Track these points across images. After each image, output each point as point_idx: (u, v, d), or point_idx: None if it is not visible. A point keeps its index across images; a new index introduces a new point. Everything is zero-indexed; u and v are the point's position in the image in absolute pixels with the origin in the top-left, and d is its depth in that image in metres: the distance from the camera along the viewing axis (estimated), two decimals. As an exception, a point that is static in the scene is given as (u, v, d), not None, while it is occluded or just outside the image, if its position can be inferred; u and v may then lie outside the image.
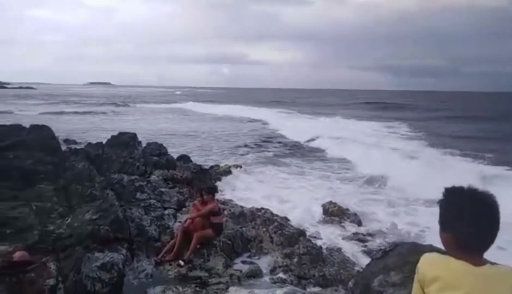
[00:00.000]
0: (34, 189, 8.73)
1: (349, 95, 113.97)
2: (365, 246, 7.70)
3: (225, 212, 7.67)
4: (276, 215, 8.09)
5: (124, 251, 6.21)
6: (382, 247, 4.78)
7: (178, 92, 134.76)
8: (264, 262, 6.42)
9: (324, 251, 7.00)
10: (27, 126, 14.59)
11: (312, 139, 21.99)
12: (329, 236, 7.96)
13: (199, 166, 12.41)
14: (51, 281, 5.36)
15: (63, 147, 12.93)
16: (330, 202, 9.65)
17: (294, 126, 28.04)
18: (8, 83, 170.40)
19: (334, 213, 9.14)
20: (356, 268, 6.37)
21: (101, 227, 6.53)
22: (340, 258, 6.86)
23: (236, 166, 13.85)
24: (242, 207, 8.34)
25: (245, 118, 36.91)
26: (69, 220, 7.25)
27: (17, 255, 5.07)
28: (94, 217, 6.90)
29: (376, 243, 7.78)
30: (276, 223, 7.38)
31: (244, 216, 7.89)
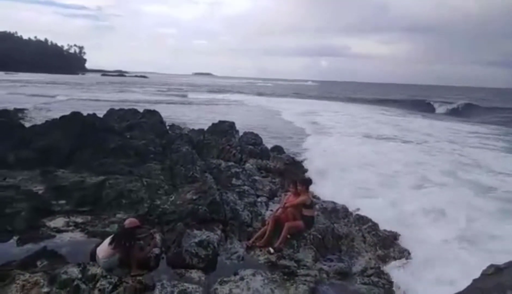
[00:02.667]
0: (145, 166, 9.78)
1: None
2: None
3: (317, 206, 7.61)
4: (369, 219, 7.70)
5: (219, 232, 6.60)
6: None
7: (259, 83, 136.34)
8: (354, 262, 6.22)
9: (422, 256, 6.50)
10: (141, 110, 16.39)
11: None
12: (429, 240, 7.27)
13: (292, 157, 12.48)
14: (156, 250, 5.98)
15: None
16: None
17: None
18: (127, 72, 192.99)
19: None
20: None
21: (200, 207, 7.03)
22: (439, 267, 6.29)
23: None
24: (334, 203, 8.17)
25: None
26: (173, 197, 7.96)
27: (128, 222, 5.67)
28: (194, 197, 7.45)
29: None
30: (370, 223, 7.07)
31: (336, 212, 7.73)
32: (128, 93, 53.16)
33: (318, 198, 8.47)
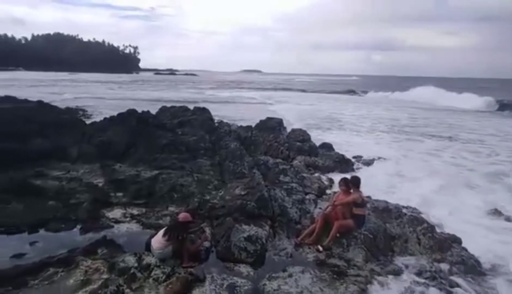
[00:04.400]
0: (196, 162, 10.06)
1: None
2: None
3: (368, 205, 7.37)
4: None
5: (267, 228, 6.62)
6: None
7: (297, 80, 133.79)
8: (408, 264, 5.94)
9: (485, 263, 6.07)
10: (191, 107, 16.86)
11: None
12: (494, 246, 6.78)
13: (342, 155, 12.22)
14: (207, 244, 6.14)
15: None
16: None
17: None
18: (177, 70, 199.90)
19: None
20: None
21: (249, 202, 7.09)
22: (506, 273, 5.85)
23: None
24: (386, 202, 7.87)
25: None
26: (222, 192, 8.11)
27: (182, 216, 5.87)
28: (243, 193, 7.53)
29: None
30: (425, 224, 6.72)
31: (388, 212, 7.44)
32: (160, 92, 54.86)
33: (369, 197, 8.20)
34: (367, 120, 26.70)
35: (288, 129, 14.29)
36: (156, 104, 24.47)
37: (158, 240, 5.54)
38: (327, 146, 13.47)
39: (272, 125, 13.29)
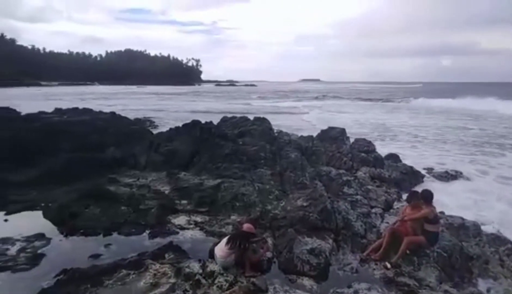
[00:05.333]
0: (256, 172, 10.11)
1: None
2: None
3: (441, 221, 6.84)
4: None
5: (330, 241, 6.42)
6: None
7: (356, 88, 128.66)
8: (490, 287, 5.40)
9: None
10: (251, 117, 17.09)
11: None
12: None
13: (411, 167, 11.54)
14: (269, 254, 6.09)
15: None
16: None
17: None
18: (237, 81, 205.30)
19: None
20: None
21: (311, 214, 6.94)
22: None
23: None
24: (462, 219, 7.24)
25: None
26: (283, 203, 8.05)
27: (246, 226, 5.91)
28: (305, 204, 7.40)
29: None
30: (510, 245, 6.07)
31: (465, 229, 6.83)
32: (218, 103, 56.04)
33: (442, 213, 7.61)
34: (429, 129, 25.21)
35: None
36: (207, 114, 25.23)
37: (221, 248, 5.61)
38: (394, 157, 12.81)
39: (334, 135, 12.98)
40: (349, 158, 11.51)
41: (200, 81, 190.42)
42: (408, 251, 6.01)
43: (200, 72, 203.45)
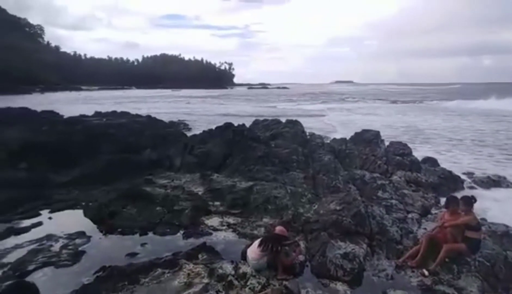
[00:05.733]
0: (289, 174, 10.09)
1: None
2: None
3: (483, 228, 6.52)
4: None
5: (364, 246, 6.28)
6: None
7: (391, 90, 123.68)
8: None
9: None
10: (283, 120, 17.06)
11: None
12: None
13: (449, 171, 11.08)
14: (301, 258, 6.05)
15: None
16: None
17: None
18: (269, 84, 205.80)
19: None
20: None
21: (344, 218, 6.83)
22: None
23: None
24: (507, 226, 6.86)
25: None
26: (316, 206, 7.97)
27: (278, 229, 5.91)
28: (338, 208, 7.28)
29: None
30: (561, 255, 5.69)
31: (509, 237, 6.47)
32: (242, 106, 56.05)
33: (484, 219, 7.25)
34: (466, 131, 24.13)
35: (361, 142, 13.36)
36: (229, 117, 25.32)
37: (253, 250, 5.64)
38: (431, 161, 12.35)
39: (368, 138, 12.69)
40: (383, 161, 11.23)
41: (233, 84, 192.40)
42: (447, 259, 5.77)
43: (233, 75, 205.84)
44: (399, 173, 10.42)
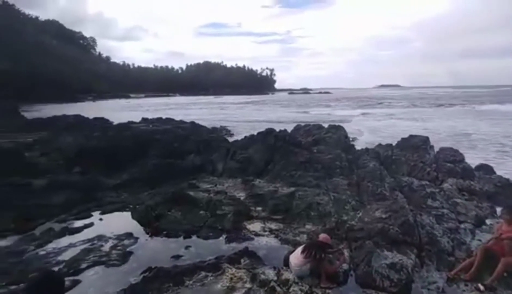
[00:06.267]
0: (332, 181, 9.90)
1: None
2: None
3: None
4: None
5: (413, 257, 5.99)
6: None
7: (439, 93, 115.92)
8: None
9: None
10: (326, 125, 16.83)
11: None
12: None
13: (507, 179, 10.29)
14: (345, 266, 5.89)
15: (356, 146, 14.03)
16: None
17: None
18: (311, 89, 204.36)
19: None
20: None
21: (391, 227, 6.57)
22: None
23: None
24: None
25: None
26: (360, 214, 7.74)
27: (322, 236, 5.81)
28: (384, 216, 7.03)
29: None
30: None
31: None
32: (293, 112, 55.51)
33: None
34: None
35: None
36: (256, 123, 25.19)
37: (296, 257, 5.57)
38: (486, 168, 11.56)
39: (416, 144, 12.14)
40: (433, 168, 10.68)
41: (274, 90, 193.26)
42: (505, 273, 5.37)
43: (274, 81, 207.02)
44: (450, 181, 9.85)
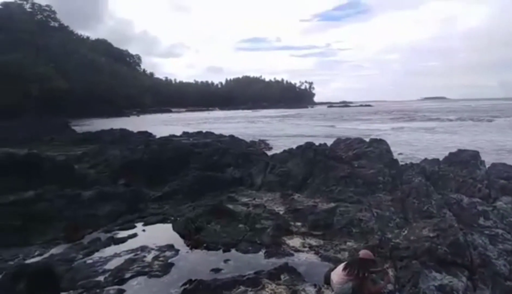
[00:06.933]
0: (374, 196, 9.58)
1: None
2: None
3: None
4: None
5: (464, 279, 5.61)
6: None
7: (493, 107, 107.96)
8: None
9: None
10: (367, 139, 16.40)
11: None
12: None
13: None
14: (390, 286, 5.62)
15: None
16: None
17: None
18: (351, 102, 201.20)
19: None
20: None
21: (439, 246, 6.21)
22: None
23: None
24: None
25: None
26: (406, 232, 7.38)
27: (365, 253, 5.58)
28: (432, 234, 6.67)
29: None
30: None
31: None
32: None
33: None
34: None
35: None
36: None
37: (338, 274, 5.40)
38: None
39: (465, 158, 11.49)
40: (484, 185, 10.02)
41: (313, 103, 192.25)
42: None
43: (313, 95, 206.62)
44: (504, 199, 9.17)
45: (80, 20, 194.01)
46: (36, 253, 7.35)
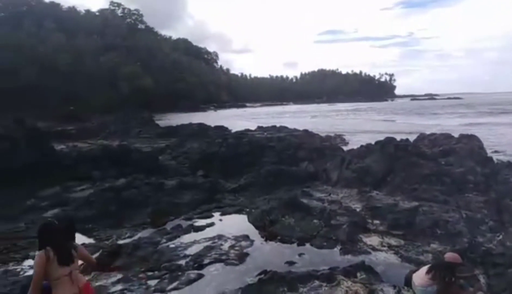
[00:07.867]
0: (463, 197, 8.78)
1: None
2: None
3: None
4: None
5: None
6: None
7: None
8: None
9: None
10: (456, 135, 15.07)
11: None
12: None
13: None
14: (481, 295, 5.12)
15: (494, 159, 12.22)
16: None
17: None
18: (437, 95, 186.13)
19: None
20: None
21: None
22: None
23: None
24: None
25: None
26: (501, 237, 6.69)
27: (449, 255, 5.13)
28: (534, 241, 5.92)
29: None
30: None
31: None
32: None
33: None
34: None
35: None
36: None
37: (421, 277, 5.05)
38: None
39: None
40: None
41: (394, 96, 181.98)
42: None
43: (394, 87, 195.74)
44: None
45: (163, 21, 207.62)
46: (127, 235, 8.09)
